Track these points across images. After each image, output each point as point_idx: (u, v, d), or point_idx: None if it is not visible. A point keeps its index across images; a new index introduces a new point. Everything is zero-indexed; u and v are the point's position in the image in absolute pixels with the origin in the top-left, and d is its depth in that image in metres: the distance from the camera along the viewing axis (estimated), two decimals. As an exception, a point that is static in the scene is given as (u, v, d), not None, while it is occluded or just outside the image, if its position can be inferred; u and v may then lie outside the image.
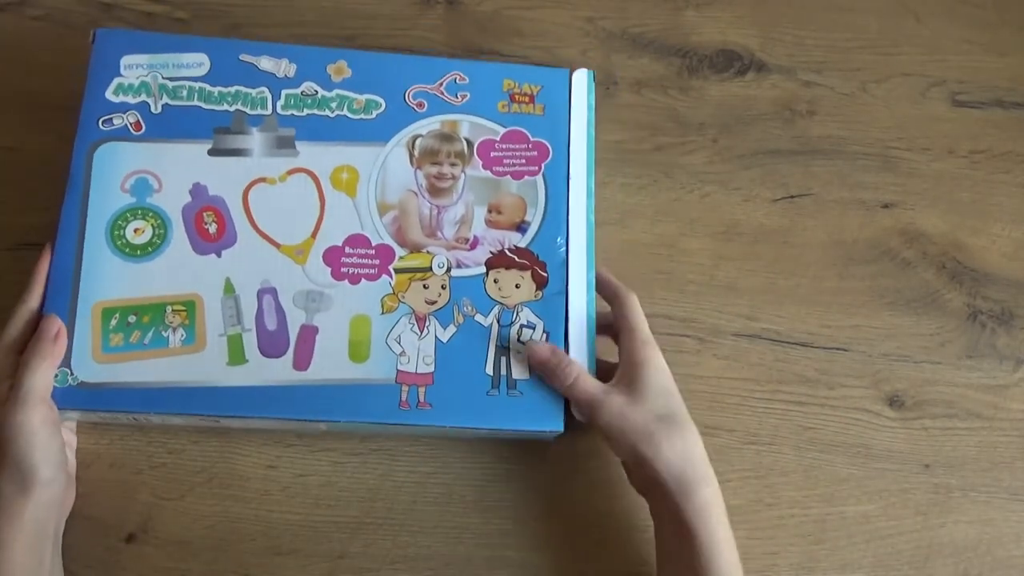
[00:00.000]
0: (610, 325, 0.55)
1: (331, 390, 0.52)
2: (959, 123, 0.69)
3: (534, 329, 0.54)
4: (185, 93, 0.56)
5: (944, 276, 0.65)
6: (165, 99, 0.56)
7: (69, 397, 0.50)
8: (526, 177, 0.57)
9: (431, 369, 0.53)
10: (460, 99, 0.58)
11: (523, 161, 0.57)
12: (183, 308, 0.52)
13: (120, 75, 0.56)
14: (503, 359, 0.54)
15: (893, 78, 0.70)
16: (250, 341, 0.52)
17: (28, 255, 0.53)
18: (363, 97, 0.57)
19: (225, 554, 0.54)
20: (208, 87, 0.56)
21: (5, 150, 0.61)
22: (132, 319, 0.52)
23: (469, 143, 0.57)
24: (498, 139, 0.58)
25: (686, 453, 0.49)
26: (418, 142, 0.57)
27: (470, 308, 0.54)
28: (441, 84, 0.58)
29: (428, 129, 0.57)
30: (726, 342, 0.62)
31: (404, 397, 0.53)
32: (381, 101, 0.57)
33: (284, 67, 0.57)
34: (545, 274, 0.56)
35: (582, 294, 0.55)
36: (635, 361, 0.51)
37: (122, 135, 0.55)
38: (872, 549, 0.58)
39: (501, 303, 0.55)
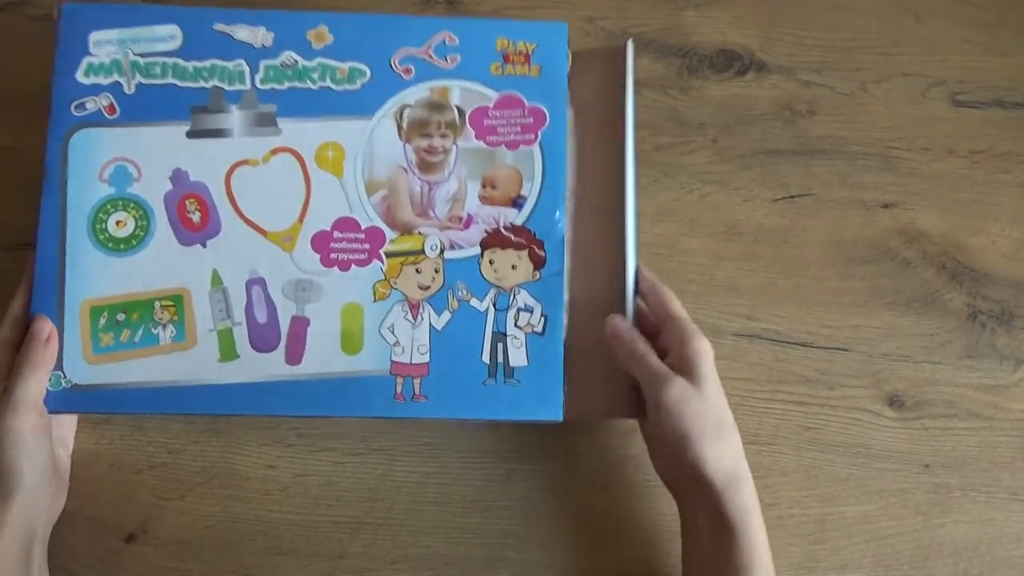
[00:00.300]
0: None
1: (325, 384, 0.52)
2: (959, 123, 0.69)
3: (531, 312, 0.53)
4: (159, 70, 0.53)
5: (944, 276, 0.65)
6: (138, 78, 0.53)
7: (63, 400, 0.50)
8: (521, 147, 0.54)
9: (426, 359, 0.52)
10: (450, 62, 0.54)
11: (518, 129, 0.54)
12: (171, 303, 0.52)
13: (89, 54, 0.53)
14: (500, 346, 0.53)
15: (893, 78, 0.70)
16: (241, 335, 0.52)
17: (28, 255, 0.53)
18: (346, 65, 0.53)
19: (225, 554, 0.54)
20: (182, 62, 0.53)
21: (5, 150, 0.61)
22: (121, 317, 0.51)
23: (460, 112, 0.54)
24: (491, 106, 0.54)
25: (732, 453, 0.49)
26: (406, 113, 0.54)
27: (465, 292, 0.53)
28: (429, 46, 0.54)
29: (416, 98, 0.54)
30: (726, 342, 0.62)
31: (399, 390, 0.52)
32: (365, 69, 0.54)
33: (261, 36, 0.53)
34: (543, 253, 0.54)
35: (631, 284, 0.54)
36: (690, 352, 0.50)
37: (96, 120, 0.53)
38: (872, 549, 0.58)
39: (497, 286, 0.53)
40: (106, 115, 0.52)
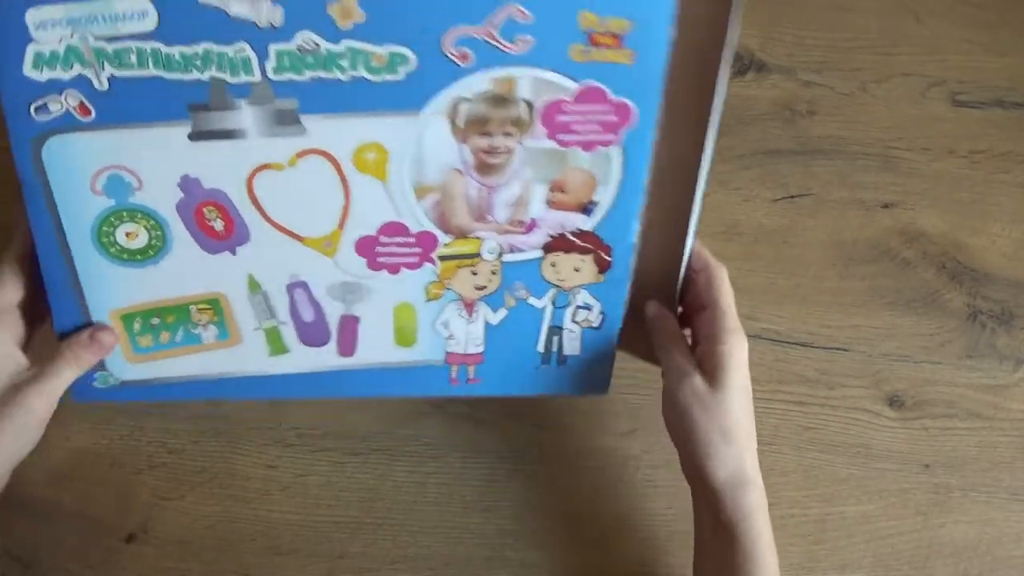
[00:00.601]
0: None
1: (380, 372, 0.50)
2: (959, 123, 0.69)
3: (590, 310, 0.51)
4: (134, 59, 0.40)
5: (944, 276, 0.65)
6: (109, 70, 0.40)
7: (113, 393, 0.50)
8: (599, 148, 0.45)
9: (481, 350, 0.51)
10: (520, 45, 0.42)
11: (597, 128, 0.44)
12: (208, 307, 0.48)
13: (33, 40, 0.40)
14: (555, 338, 0.51)
15: (893, 78, 0.70)
16: (289, 333, 0.49)
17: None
18: (384, 50, 0.41)
19: (225, 554, 0.54)
20: (164, 48, 0.40)
21: (5, 150, 0.61)
22: (156, 321, 0.48)
23: (530, 105, 0.43)
24: (570, 99, 0.43)
25: (737, 456, 0.47)
26: (462, 108, 0.43)
27: (523, 292, 0.50)
28: (493, 24, 0.41)
29: (475, 90, 0.43)
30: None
31: (454, 375, 0.52)
32: (409, 55, 0.41)
33: (266, 11, 0.40)
34: (609, 259, 0.49)
35: (685, 259, 0.50)
36: (718, 350, 0.48)
37: (68, 124, 0.42)
38: (872, 549, 0.58)
39: (557, 286, 0.50)
40: (78, 117, 0.42)
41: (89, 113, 0.42)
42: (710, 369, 0.48)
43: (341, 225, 0.46)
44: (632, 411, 0.59)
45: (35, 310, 0.47)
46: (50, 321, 0.48)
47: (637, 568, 0.56)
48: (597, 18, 0.42)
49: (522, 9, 0.41)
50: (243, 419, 0.57)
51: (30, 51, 0.40)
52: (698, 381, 0.48)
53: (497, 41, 0.42)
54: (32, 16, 0.39)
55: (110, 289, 0.47)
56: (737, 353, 0.48)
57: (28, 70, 0.40)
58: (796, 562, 0.57)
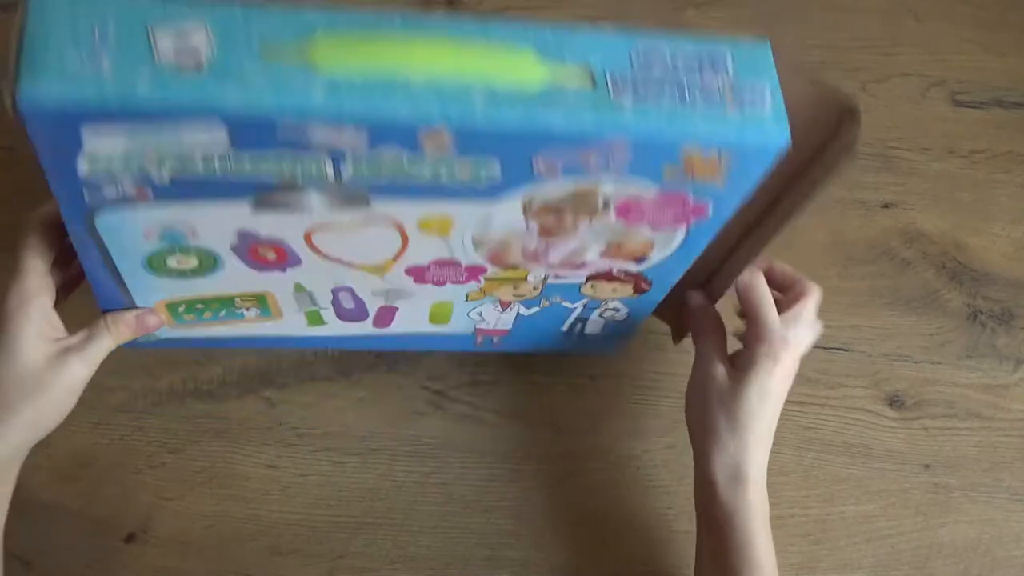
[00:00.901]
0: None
1: (411, 336, 0.55)
2: (959, 123, 0.69)
3: (618, 311, 0.53)
4: (200, 166, 0.37)
5: (944, 276, 0.65)
6: (171, 171, 0.37)
7: (154, 344, 0.53)
8: (666, 229, 0.44)
9: (509, 327, 0.54)
10: (613, 166, 0.39)
11: (669, 219, 0.43)
12: (252, 298, 0.50)
13: (86, 150, 0.36)
14: (580, 324, 0.55)
15: (893, 78, 0.70)
16: (328, 314, 0.52)
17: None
18: (469, 161, 0.38)
19: (225, 554, 0.54)
20: (233, 157, 0.37)
21: (5, 150, 0.61)
22: (200, 307, 0.50)
23: (607, 202, 0.41)
24: (648, 200, 0.41)
25: (738, 451, 0.47)
26: (536, 201, 0.41)
27: (558, 299, 0.52)
28: (591, 152, 0.38)
29: (555, 192, 0.40)
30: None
31: (479, 341, 0.56)
32: (495, 165, 0.38)
33: (350, 138, 0.36)
34: (647, 287, 0.50)
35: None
36: (751, 353, 0.48)
37: (124, 202, 0.39)
38: (872, 549, 0.58)
39: (592, 298, 0.51)
40: (135, 198, 0.39)
41: (147, 196, 0.39)
42: (739, 365, 0.49)
43: (395, 259, 0.46)
44: (632, 411, 0.59)
45: (62, 273, 0.48)
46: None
47: (637, 568, 0.56)
48: (700, 151, 0.38)
49: (626, 143, 0.37)
50: (243, 419, 0.57)
51: (84, 157, 0.36)
52: (722, 371, 0.49)
53: (591, 163, 0.39)
54: (89, 131, 0.35)
55: (157, 291, 0.48)
56: (771, 357, 0.48)
57: (83, 170, 0.37)
58: (796, 562, 0.57)
